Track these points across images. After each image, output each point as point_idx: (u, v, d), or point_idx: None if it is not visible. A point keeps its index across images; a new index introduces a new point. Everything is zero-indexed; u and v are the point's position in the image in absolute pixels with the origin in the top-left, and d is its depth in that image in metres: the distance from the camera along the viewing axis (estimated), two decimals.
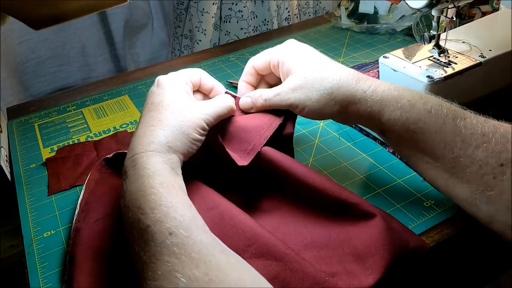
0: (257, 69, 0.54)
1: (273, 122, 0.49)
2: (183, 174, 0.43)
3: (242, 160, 0.46)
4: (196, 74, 0.51)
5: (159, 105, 0.45)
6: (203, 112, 0.45)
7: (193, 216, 0.36)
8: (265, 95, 0.50)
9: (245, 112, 0.52)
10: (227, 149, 0.47)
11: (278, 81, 0.53)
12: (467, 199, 0.41)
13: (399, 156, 0.57)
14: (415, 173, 0.54)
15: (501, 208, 0.38)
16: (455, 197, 0.43)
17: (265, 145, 0.47)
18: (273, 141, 0.48)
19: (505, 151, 0.38)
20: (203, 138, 0.45)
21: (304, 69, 0.48)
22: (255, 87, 0.56)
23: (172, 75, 0.49)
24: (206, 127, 0.45)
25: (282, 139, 0.49)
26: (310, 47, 0.52)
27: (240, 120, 0.50)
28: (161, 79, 0.48)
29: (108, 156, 0.54)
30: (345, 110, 0.46)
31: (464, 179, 0.41)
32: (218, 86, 0.53)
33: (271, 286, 0.34)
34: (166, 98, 0.46)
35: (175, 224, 0.34)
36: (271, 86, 0.54)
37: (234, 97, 0.52)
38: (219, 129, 0.48)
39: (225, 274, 0.32)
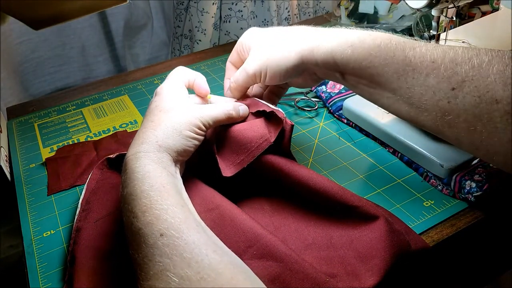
0: (233, 63, 0.56)
1: (264, 142, 0.47)
2: (184, 174, 0.42)
3: (228, 170, 0.46)
4: (192, 76, 0.51)
5: (155, 109, 0.46)
6: (200, 112, 0.45)
7: (185, 216, 0.36)
8: (233, 77, 0.52)
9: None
10: (217, 156, 0.47)
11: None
12: (431, 126, 0.42)
13: (399, 156, 0.57)
14: (415, 173, 0.54)
15: (462, 131, 0.39)
16: (422, 126, 0.43)
17: (259, 156, 0.47)
18: (270, 152, 0.48)
19: (454, 74, 0.39)
20: (200, 137, 0.45)
21: (263, 41, 0.50)
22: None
23: (168, 79, 0.50)
24: (203, 127, 0.45)
25: (280, 152, 0.49)
26: (271, 28, 0.52)
27: (236, 129, 0.49)
28: (159, 88, 0.49)
29: (110, 156, 0.54)
30: (302, 61, 0.47)
31: (422, 107, 0.41)
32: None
33: (265, 286, 0.34)
34: (163, 102, 0.46)
35: (166, 226, 0.35)
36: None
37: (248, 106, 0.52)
38: (218, 134, 0.48)
39: (217, 273, 0.32)
